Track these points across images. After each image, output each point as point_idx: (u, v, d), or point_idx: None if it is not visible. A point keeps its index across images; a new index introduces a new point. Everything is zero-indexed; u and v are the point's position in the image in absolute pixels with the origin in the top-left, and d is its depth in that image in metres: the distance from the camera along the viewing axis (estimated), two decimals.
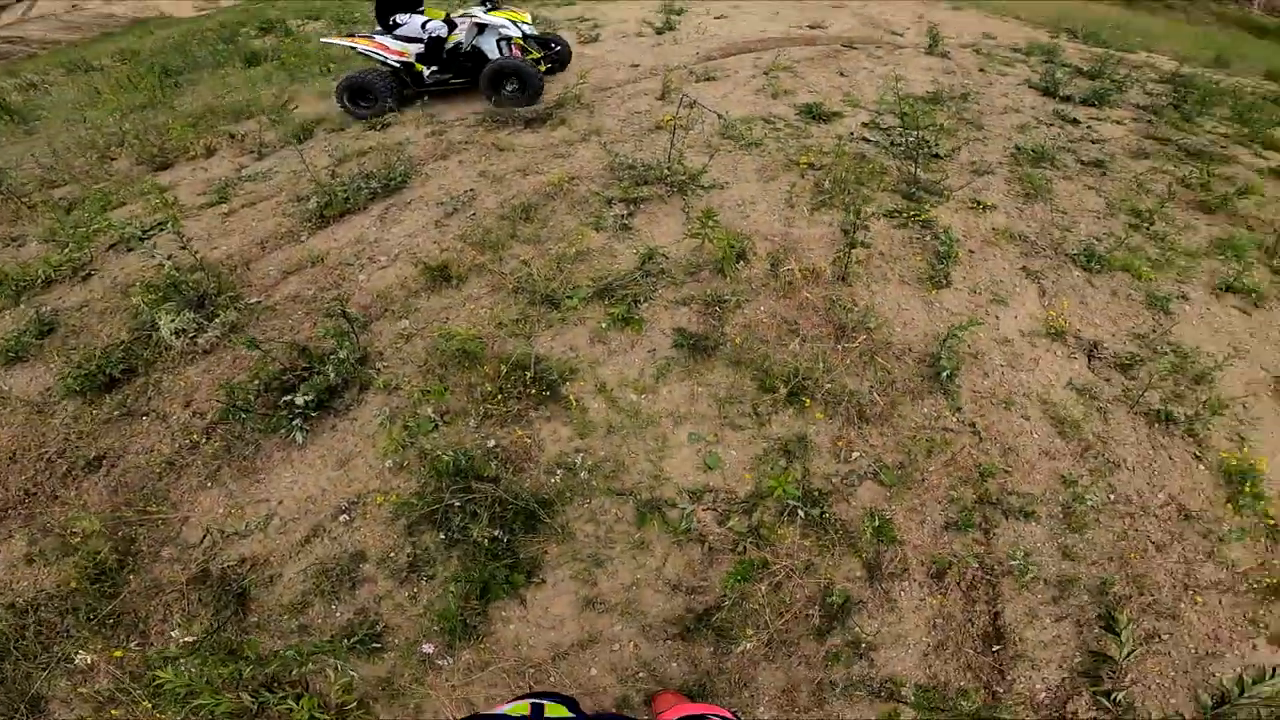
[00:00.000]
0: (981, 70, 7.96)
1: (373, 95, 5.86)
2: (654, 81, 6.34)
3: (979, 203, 3.99)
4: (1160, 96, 7.64)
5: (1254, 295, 3.42)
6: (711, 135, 4.87)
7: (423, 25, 5.91)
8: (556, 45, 6.51)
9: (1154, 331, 3.14)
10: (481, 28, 5.87)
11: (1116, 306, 3.28)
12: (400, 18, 5.92)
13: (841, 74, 6.75)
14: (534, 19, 9.24)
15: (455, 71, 6.02)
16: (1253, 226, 4.17)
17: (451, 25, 5.90)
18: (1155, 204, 4.08)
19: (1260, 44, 23.79)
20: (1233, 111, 7.53)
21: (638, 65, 7.05)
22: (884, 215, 3.68)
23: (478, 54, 5.96)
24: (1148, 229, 3.87)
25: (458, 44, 5.88)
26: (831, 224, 3.72)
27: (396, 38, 5.86)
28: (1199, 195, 4.52)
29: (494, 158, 4.81)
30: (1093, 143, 5.35)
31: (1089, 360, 3.05)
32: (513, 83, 5.81)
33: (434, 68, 5.98)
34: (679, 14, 10.97)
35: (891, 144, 4.67)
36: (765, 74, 6.48)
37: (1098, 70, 8.74)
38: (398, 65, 5.91)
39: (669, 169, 4.21)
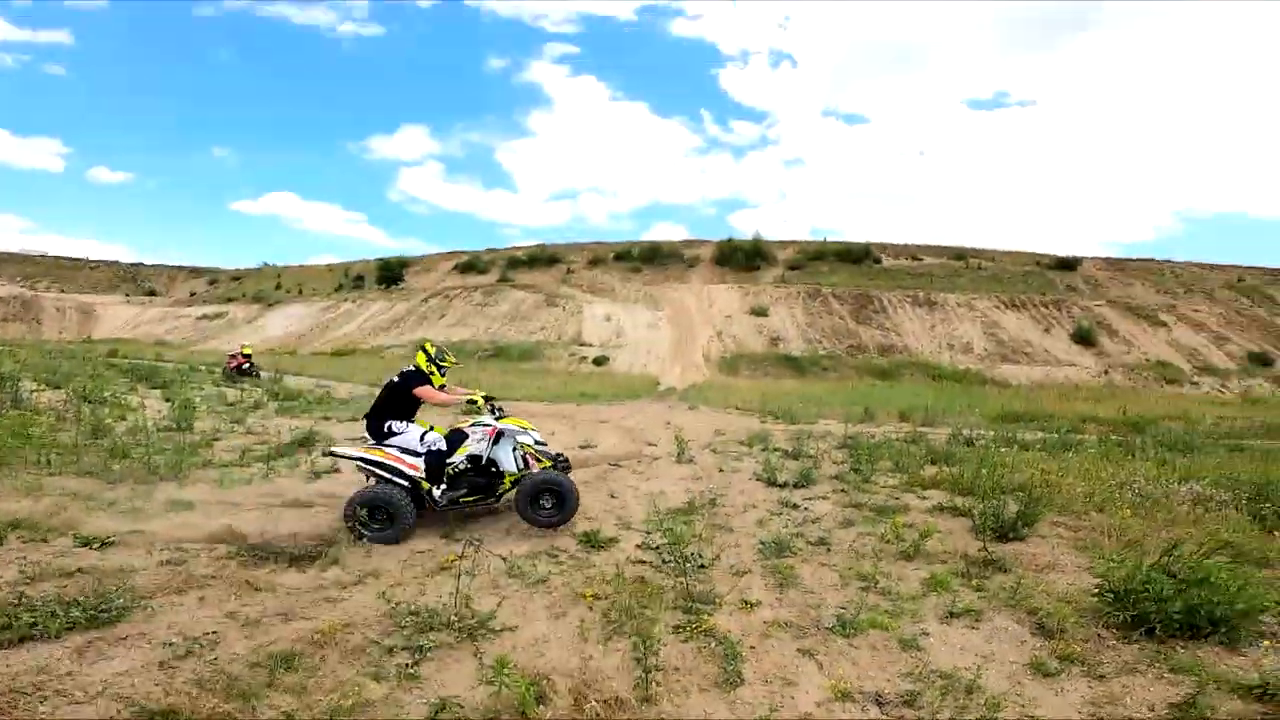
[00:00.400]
0: (720, 470, 9.87)
1: (391, 515, 5.35)
2: (435, 516, 6.14)
3: (746, 601, 4.64)
4: (843, 464, 10.21)
5: (973, 614, 4.60)
6: (498, 574, 4.99)
7: (420, 437, 5.54)
8: (562, 457, 6.25)
9: (917, 668, 4.01)
10: (498, 436, 5.57)
11: (881, 657, 4.12)
12: (396, 425, 5.52)
13: (612, 495, 7.75)
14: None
15: (469, 488, 5.65)
16: (944, 560, 5.71)
17: (458, 438, 5.57)
18: (872, 567, 5.43)
19: (884, 385, 33.49)
20: (892, 462, 10.41)
21: None
22: (671, 632, 4.29)
23: (491, 466, 5.61)
24: (876, 587, 5.07)
25: (470, 456, 5.54)
26: (624, 650, 3.95)
27: (396, 448, 5.45)
28: (898, 547, 5.75)
29: (248, 598, 4.41)
30: (813, 522, 6.71)
31: (879, 708, 3.76)
32: (550, 499, 5.64)
33: (443, 486, 5.58)
34: None
35: (664, 562, 5.29)
36: None
37: (798, 449, 11.58)
38: (414, 481, 5.43)
39: (456, 614, 4.18)
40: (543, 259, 60.98)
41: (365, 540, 5.34)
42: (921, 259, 56.76)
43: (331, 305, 58.06)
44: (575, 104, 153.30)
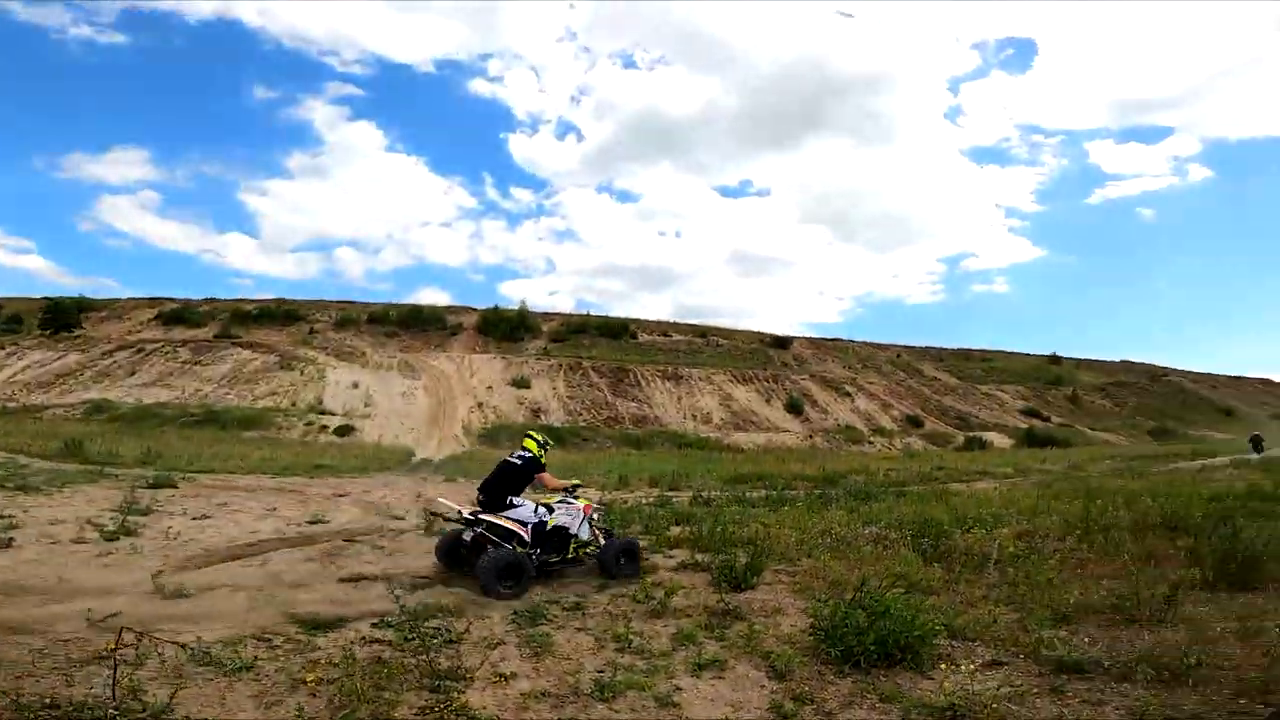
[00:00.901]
0: None
1: (519, 575, 6.17)
2: (101, 600, 5.39)
3: (501, 674, 4.34)
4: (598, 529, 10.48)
5: (719, 664, 4.73)
6: (184, 663, 4.26)
7: (534, 510, 6.63)
8: (610, 530, 7.84)
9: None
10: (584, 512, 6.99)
11: (640, 718, 4.12)
12: (515, 500, 6.65)
13: (342, 575, 6.81)
14: None
15: (550, 551, 6.71)
16: (690, 614, 5.92)
17: (550, 510, 6.79)
18: (624, 627, 5.39)
19: (638, 454, 35.73)
20: (642, 524, 10.83)
21: (67, 580, 5.93)
22: (416, 714, 3.86)
23: (563, 533, 6.78)
24: (630, 647, 4.99)
25: (557, 527, 6.73)
26: None
27: (508, 517, 6.42)
28: (649, 606, 5.89)
29: None
30: (567, 588, 6.67)
31: None
32: (627, 559, 6.92)
33: (538, 549, 6.60)
34: (144, 514, 9.46)
35: (405, 639, 4.81)
36: (259, 589, 6.08)
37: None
38: (523, 543, 6.39)
39: (116, 707, 3.48)
40: (278, 315, 54.06)
41: (502, 598, 6.00)
42: (671, 335, 62.35)
43: None
44: (347, 149, 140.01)
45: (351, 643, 4.88)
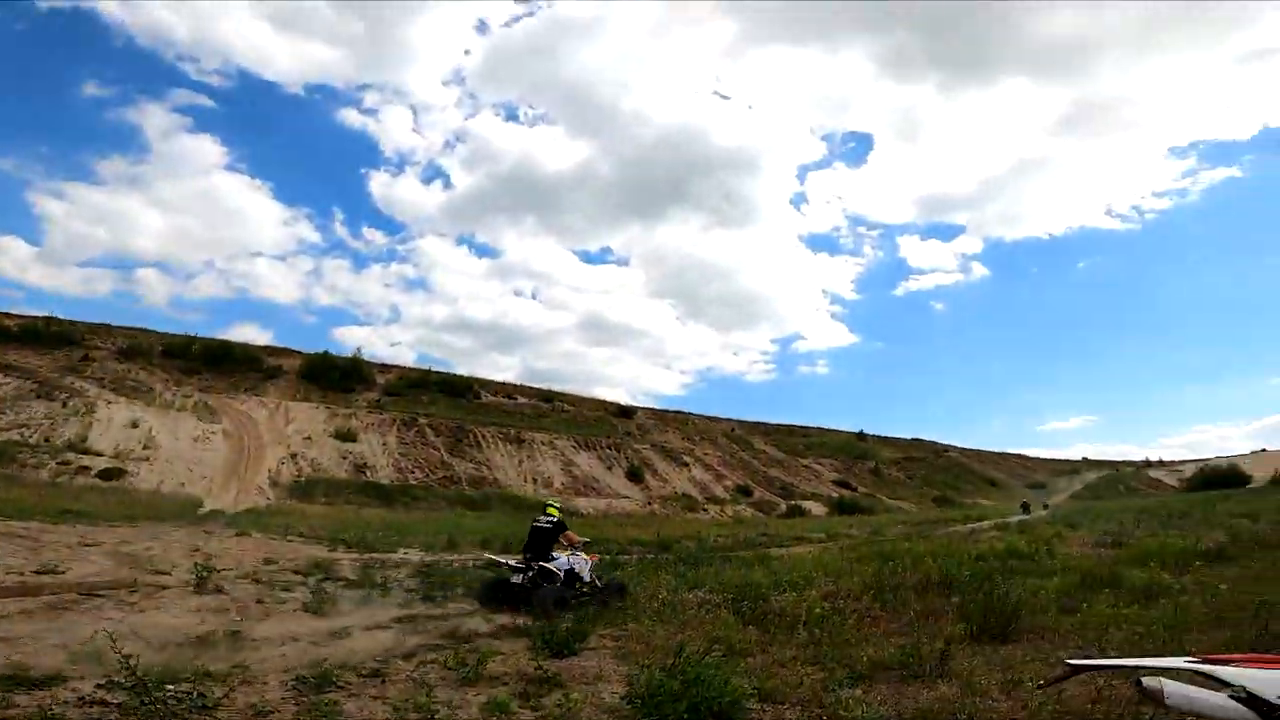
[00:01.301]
0: (260, 601, 8.35)
1: (564, 604, 8.14)
2: None
3: None
4: (415, 591, 9.63)
5: None
6: None
7: (564, 560, 9.07)
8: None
9: None
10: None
11: None
12: (555, 553, 9.07)
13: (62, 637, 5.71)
14: None
15: (570, 586, 8.92)
16: (505, 682, 5.50)
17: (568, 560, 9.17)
18: (427, 696, 4.88)
19: (473, 515, 33.96)
20: (466, 588, 10.16)
21: None
22: None
23: (575, 574, 9.08)
24: (435, 717, 4.52)
25: (569, 572, 9.00)
26: None
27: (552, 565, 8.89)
28: (460, 673, 5.37)
29: None
30: (369, 654, 6.10)
31: None
32: (618, 593, 8.94)
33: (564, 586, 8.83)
34: None
35: (142, 704, 4.05)
36: None
37: (366, 578, 10.52)
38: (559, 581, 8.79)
39: None
40: (45, 336, 45.18)
41: (550, 618, 7.21)
42: (516, 398, 61.08)
43: None
44: (176, 162, 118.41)
45: (57, 703, 4.07)
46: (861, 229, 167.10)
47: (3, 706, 4.01)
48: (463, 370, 64.71)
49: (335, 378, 51.44)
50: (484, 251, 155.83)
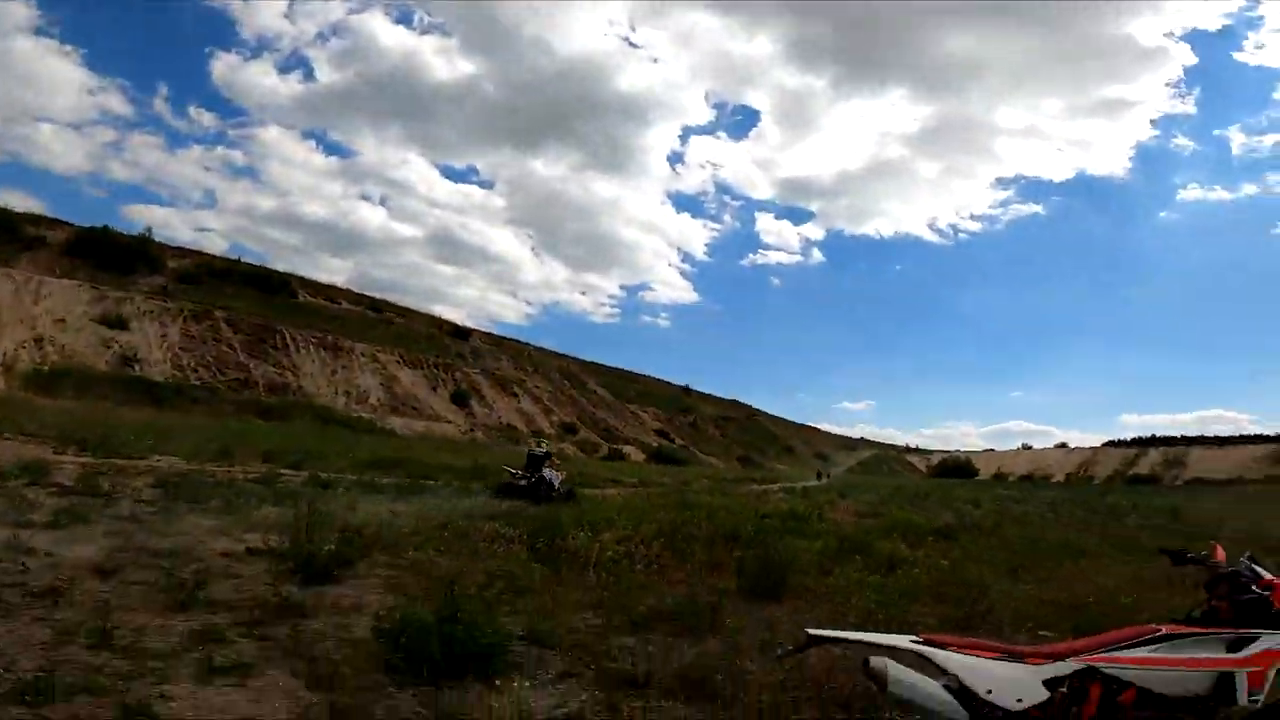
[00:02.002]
0: None
1: (550, 499, 12.37)
2: None
3: None
4: (153, 503, 8.12)
5: (243, 669, 3.53)
6: None
7: (549, 473, 13.40)
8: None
9: None
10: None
11: None
12: (545, 470, 13.31)
13: None
14: None
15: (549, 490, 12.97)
16: (232, 608, 4.60)
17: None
18: (112, 620, 3.85)
19: (266, 425, 30.50)
20: (225, 501, 8.78)
21: None
22: None
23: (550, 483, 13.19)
24: (113, 644, 3.61)
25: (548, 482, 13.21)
26: None
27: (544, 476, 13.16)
28: (174, 596, 4.52)
29: None
30: (51, 569, 4.90)
31: None
32: (571, 497, 13.35)
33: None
34: None
35: None
36: None
37: (86, 486, 8.67)
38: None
39: None
40: None
41: (539, 505, 11.40)
42: (340, 303, 55.69)
43: None
44: None
45: None
46: (727, 198, 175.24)
47: None
48: (283, 268, 57.58)
49: (114, 255, 43.09)
50: (335, 150, 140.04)
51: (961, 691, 2.06)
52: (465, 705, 3.53)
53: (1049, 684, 2.11)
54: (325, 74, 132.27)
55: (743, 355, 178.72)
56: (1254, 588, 2.26)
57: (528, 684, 3.75)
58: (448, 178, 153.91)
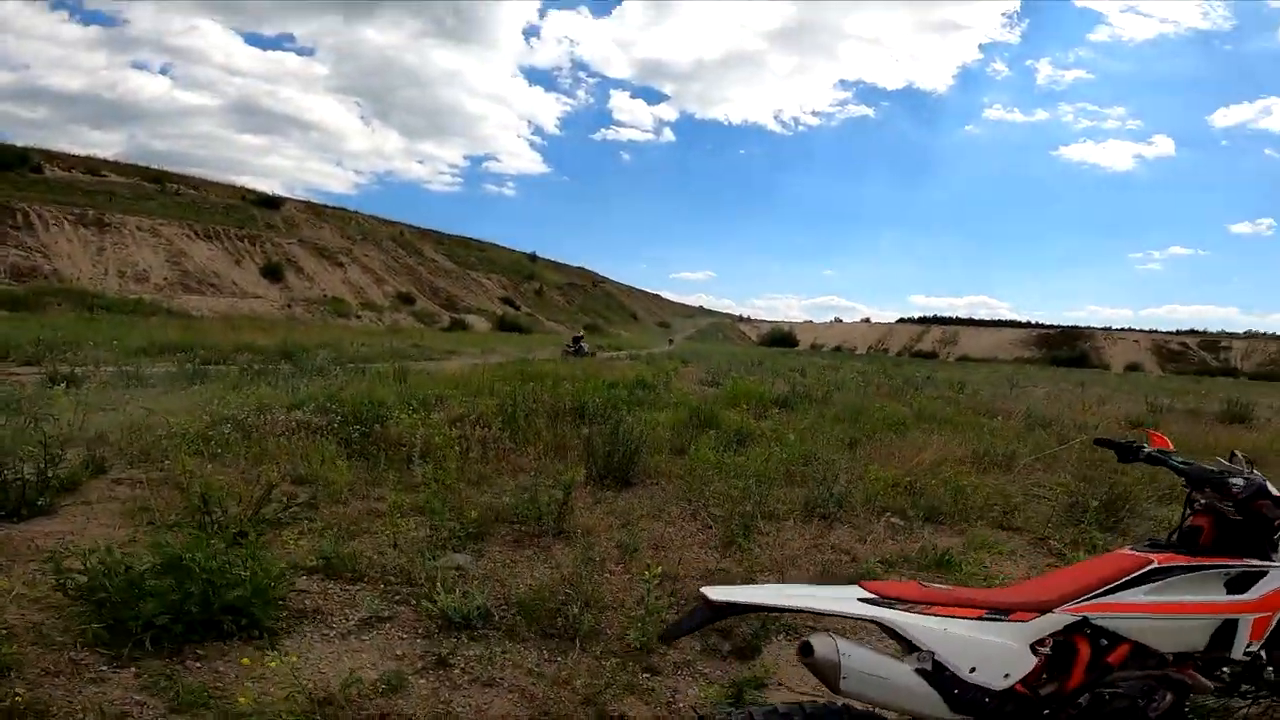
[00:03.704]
0: None
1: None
2: None
3: None
4: None
5: None
6: None
7: (584, 343, 26.51)
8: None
9: None
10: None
11: None
12: (583, 343, 26.05)
13: None
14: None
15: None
16: None
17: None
18: None
19: (9, 317, 24.40)
20: None
21: None
22: None
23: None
24: None
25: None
26: None
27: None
28: None
29: None
30: None
31: None
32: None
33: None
34: None
35: None
36: None
37: None
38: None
39: None
40: None
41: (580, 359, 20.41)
42: (104, 175, 44.72)
43: None
44: None
45: None
46: (583, 74, 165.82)
47: None
48: (23, 144, 44.55)
49: None
50: (94, 18, 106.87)
51: (936, 671, 1.41)
52: (216, 682, 2.51)
53: (1034, 647, 1.51)
54: None
55: (590, 225, 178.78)
56: (1262, 502, 1.68)
57: (317, 639, 2.78)
58: (255, 45, 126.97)
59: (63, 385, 8.51)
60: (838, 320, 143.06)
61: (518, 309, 64.05)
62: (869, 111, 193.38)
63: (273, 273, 42.62)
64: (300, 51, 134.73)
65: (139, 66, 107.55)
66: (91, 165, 46.33)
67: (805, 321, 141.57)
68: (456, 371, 13.22)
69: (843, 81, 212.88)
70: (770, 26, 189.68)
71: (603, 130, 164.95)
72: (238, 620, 2.70)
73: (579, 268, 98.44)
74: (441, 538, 3.92)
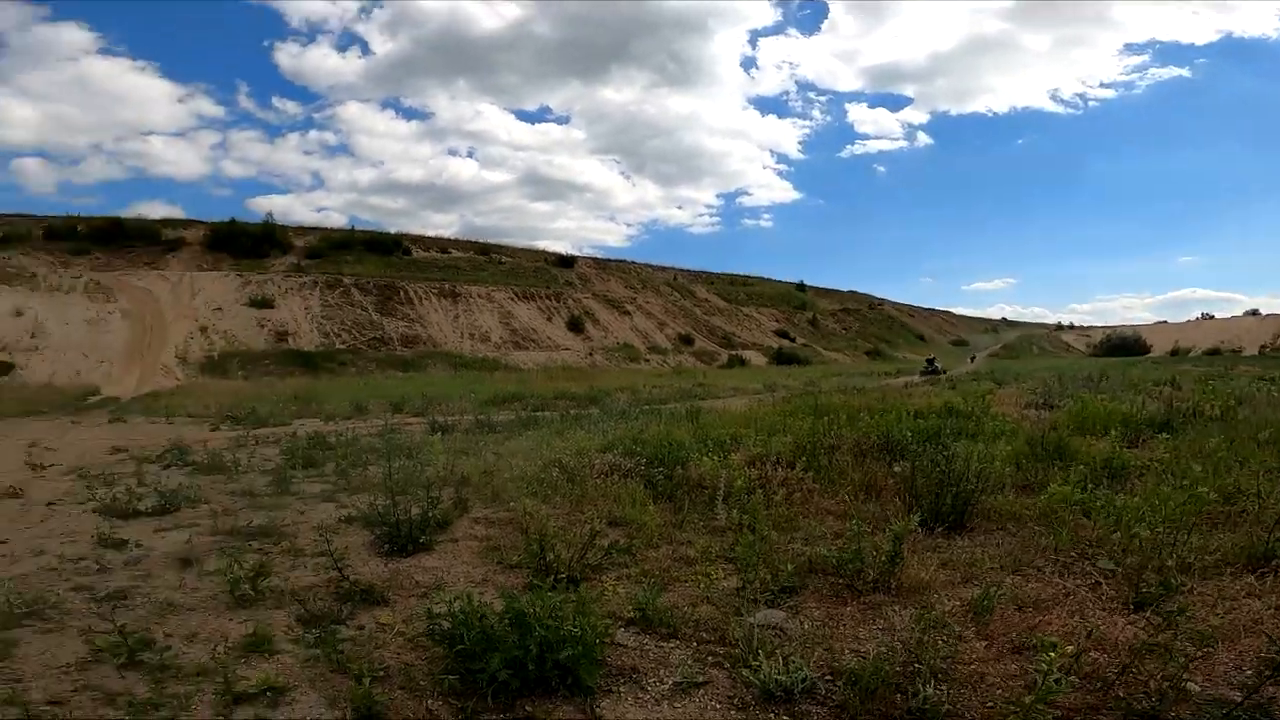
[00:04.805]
0: (52, 503, 6.56)
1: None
2: None
3: None
4: (272, 473, 7.86)
5: (274, 694, 2.76)
6: None
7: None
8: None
9: None
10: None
11: None
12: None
13: None
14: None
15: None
16: (301, 599, 3.89)
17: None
18: (120, 638, 3.16)
19: (403, 377, 32.05)
20: (336, 464, 8.23)
21: None
22: None
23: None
24: (147, 660, 2.95)
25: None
26: None
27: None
28: (237, 590, 3.82)
29: None
30: (134, 564, 4.41)
31: None
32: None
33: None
34: None
35: None
36: None
37: (214, 462, 8.71)
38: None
39: None
40: None
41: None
42: (450, 252, 57.31)
43: None
44: (41, 53, 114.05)
45: None
46: (811, 94, 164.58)
47: None
48: (395, 230, 59.99)
49: (246, 245, 46.58)
50: (412, 114, 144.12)
51: None
52: None
53: None
54: (380, 45, 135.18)
55: (855, 246, 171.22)
56: None
57: (632, 702, 2.67)
58: (524, 120, 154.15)
59: (439, 434, 10.66)
60: (1206, 316, 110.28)
61: (793, 340, 63.22)
62: (1182, 72, 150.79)
63: (575, 325, 49.06)
64: (559, 121, 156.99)
65: (452, 153, 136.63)
66: (441, 244, 59.09)
67: (1157, 323, 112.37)
68: (743, 409, 13.22)
69: (1129, 46, 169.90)
70: (1004, 4, 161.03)
71: (848, 146, 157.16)
72: (564, 678, 2.73)
73: (851, 292, 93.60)
74: (754, 590, 3.64)
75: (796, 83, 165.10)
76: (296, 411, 15.54)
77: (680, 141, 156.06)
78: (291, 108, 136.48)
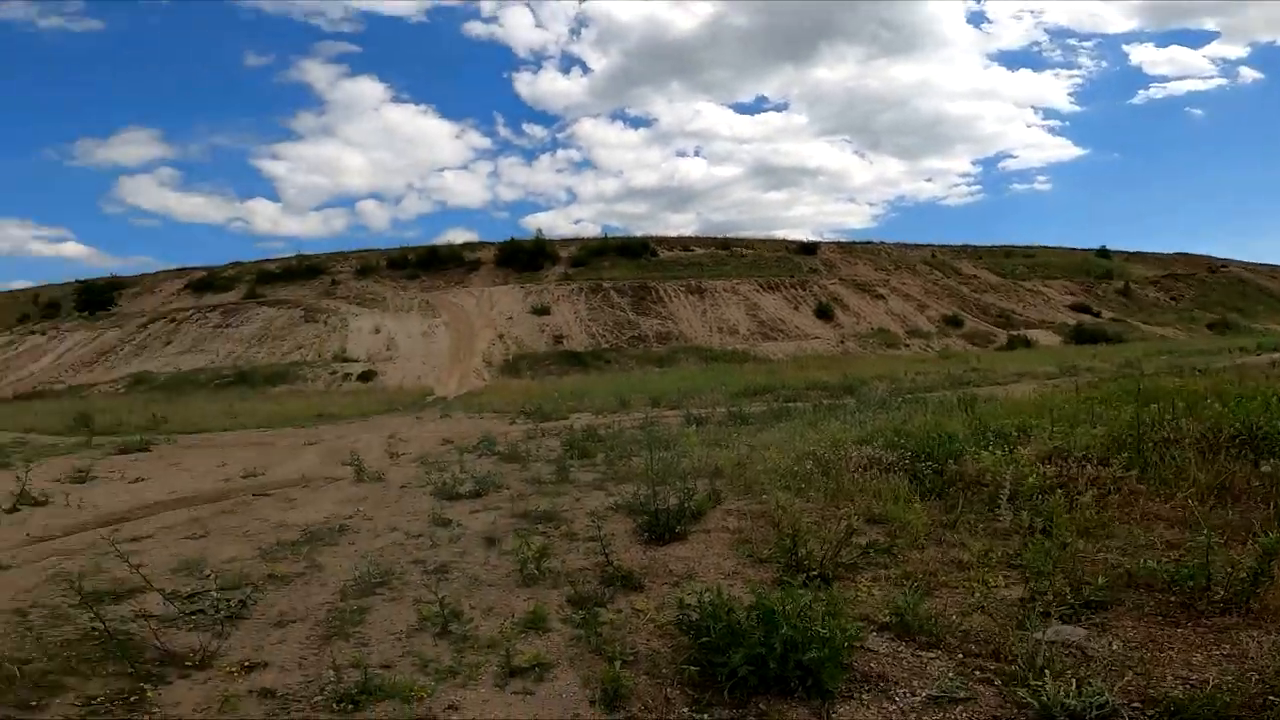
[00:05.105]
0: (404, 486, 8.27)
1: None
2: None
3: (247, 663, 3.15)
4: (554, 463, 8.67)
5: (540, 670, 3.06)
6: None
7: None
8: None
9: None
10: None
11: None
12: None
13: (202, 535, 6.02)
14: None
15: None
16: (573, 581, 4.16)
17: None
18: (441, 609, 3.71)
19: (659, 372, 34.11)
20: (604, 455, 9.02)
21: None
22: (80, 704, 2.72)
23: None
24: (453, 631, 3.54)
25: None
26: None
27: None
28: (523, 570, 4.34)
29: None
30: (452, 541, 5.37)
31: None
32: None
33: None
34: (82, 481, 8.91)
35: (188, 614, 3.84)
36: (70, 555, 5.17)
37: (512, 453, 10.24)
38: None
39: None
40: (300, 271, 53.23)
41: None
42: (693, 250, 59.48)
43: (12, 340, 45.30)
44: (351, 106, 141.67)
45: (118, 617, 3.76)
46: (1071, 41, 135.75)
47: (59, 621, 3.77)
48: (643, 234, 64.34)
49: (525, 260, 54.20)
50: (639, 123, 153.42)
51: None
52: None
53: None
54: (595, 62, 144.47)
55: (1174, 203, 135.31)
56: None
57: (875, 712, 2.44)
58: (743, 113, 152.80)
59: (694, 426, 11.12)
60: None
61: (1096, 315, 52.36)
62: None
63: (824, 313, 47.13)
64: (777, 108, 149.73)
65: (680, 154, 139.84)
66: (684, 243, 61.38)
67: None
68: (1031, 395, 11.34)
69: None
70: None
71: (1141, 91, 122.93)
72: (804, 680, 2.61)
73: (1179, 255, 73.97)
74: (1045, 603, 3.08)
75: (1046, 31, 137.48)
76: (572, 406, 17.53)
77: (916, 111, 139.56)
78: (539, 131, 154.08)
